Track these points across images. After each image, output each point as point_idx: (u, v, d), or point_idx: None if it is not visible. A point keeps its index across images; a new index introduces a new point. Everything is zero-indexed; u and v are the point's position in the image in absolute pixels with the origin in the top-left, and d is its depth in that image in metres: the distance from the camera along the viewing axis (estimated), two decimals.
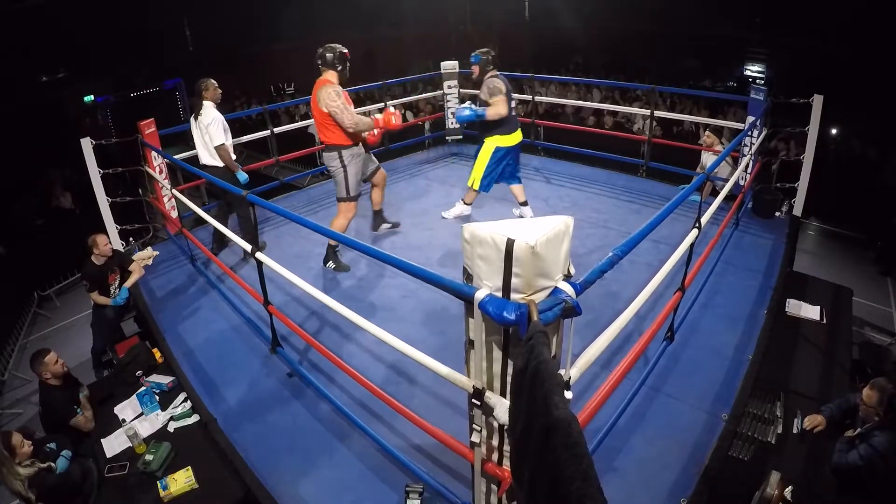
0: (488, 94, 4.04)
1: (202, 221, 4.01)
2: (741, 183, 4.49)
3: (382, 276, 3.84)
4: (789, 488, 2.17)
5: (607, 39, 12.69)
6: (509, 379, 1.51)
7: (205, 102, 3.94)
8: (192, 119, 4.02)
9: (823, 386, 2.88)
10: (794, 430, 2.59)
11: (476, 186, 4.32)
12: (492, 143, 4.17)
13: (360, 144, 3.81)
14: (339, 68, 3.60)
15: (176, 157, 4.29)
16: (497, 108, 3.98)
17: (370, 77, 10.42)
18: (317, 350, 2.80)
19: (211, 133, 3.88)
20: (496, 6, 13.78)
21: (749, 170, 4.51)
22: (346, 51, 3.62)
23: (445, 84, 6.29)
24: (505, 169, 4.31)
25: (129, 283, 3.96)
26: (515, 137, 4.23)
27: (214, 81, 4.02)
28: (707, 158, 5.24)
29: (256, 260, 2.83)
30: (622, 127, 8.65)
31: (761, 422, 2.62)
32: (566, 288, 1.43)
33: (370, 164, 4.09)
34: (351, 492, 2.33)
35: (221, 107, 4.08)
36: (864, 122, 8.18)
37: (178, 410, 2.93)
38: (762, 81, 10.90)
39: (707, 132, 5.39)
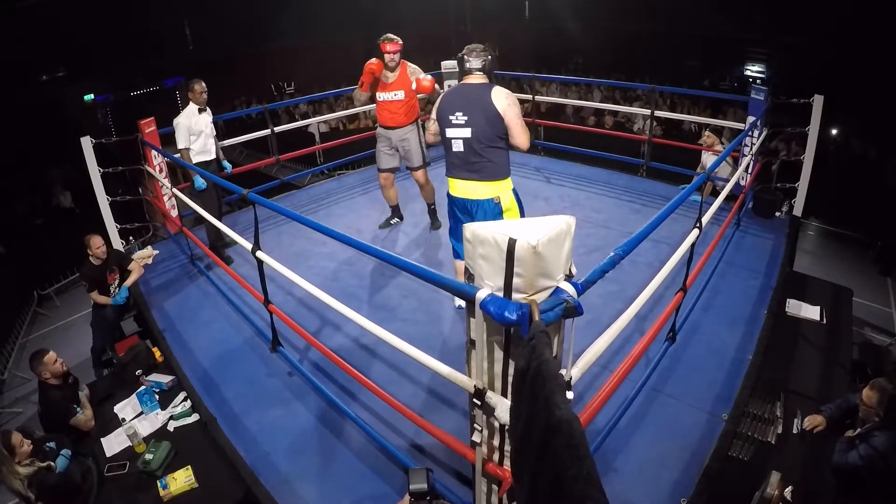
0: None
1: (202, 220, 4.01)
2: (742, 183, 4.49)
3: (383, 276, 3.84)
4: (789, 488, 2.17)
5: (607, 39, 12.68)
6: (510, 379, 1.51)
7: (190, 104, 4.09)
8: None
9: (823, 386, 2.88)
10: (794, 430, 2.59)
11: None
12: None
13: (382, 127, 4.24)
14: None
15: (176, 155, 4.29)
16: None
17: None
18: (317, 349, 2.79)
19: (176, 136, 4.07)
20: (496, 6, 13.77)
21: (749, 170, 4.51)
22: (386, 42, 3.98)
23: (445, 84, 6.26)
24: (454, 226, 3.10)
25: (128, 283, 3.96)
26: (451, 185, 2.94)
27: (202, 84, 4.09)
28: (707, 158, 5.24)
29: (257, 259, 2.82)
30: (622, 127, 8.65)
31: (761, 422, 2.62)
32: (568, 288, 1.43)
33: (402, 153, 4.28)
34: (351, 492, 2.33)
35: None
36: (864, 122, 8.18)
37: (178, 409, 2.93)
38: (762, 81, 10.90)
39: (707, 132, 5.39)
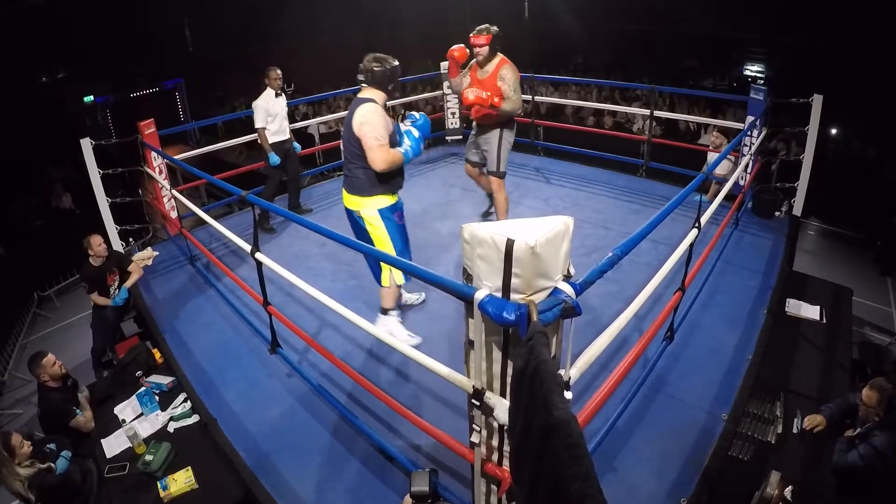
0: None
1: (202, 222, 4.02)
2: (741, 183, 4.49)
3: None
4: (789, 488, 2.17)
5: (607, 39, 12.68)
6: (509, 379, 1.51)
7: (267, 89, 4.52)
8: None
9: (823, 386, 2.88)
10: (794, 430, 2.59)
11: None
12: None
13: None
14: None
15: (176, 157, 4.30)
16: None
17: None
18: (316, 350, 2.80)
19: (254, 117, 4.51)
20: (496, 6, 13.78)
21: (749, 170, 4.51)
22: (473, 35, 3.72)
23: (445, 84, 6.29)
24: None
25: (128, 284, 3.96)
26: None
27: (276, 71, 4.54)
28: (713, 158, 5.24)
29: (256, 260, 2.83)
30: (622, 127, 8.64)
31: (761, 422, 2.62)
32: (566, 288, 1.43)
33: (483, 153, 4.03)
34: (351, 492, 2.33)
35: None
36: (864, 122, 8.18)
37: (178, 410, 2.93)
38: (762, 81, 10.90)
39: (715, 133, 5.38)
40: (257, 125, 4.50)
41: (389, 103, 2.99)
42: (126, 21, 9.94)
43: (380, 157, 2.64)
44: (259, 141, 4.59)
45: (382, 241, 2.86)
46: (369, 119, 2.64)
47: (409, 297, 3.48)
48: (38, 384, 3.01)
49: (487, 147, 3.93)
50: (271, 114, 4.50)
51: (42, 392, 3.00)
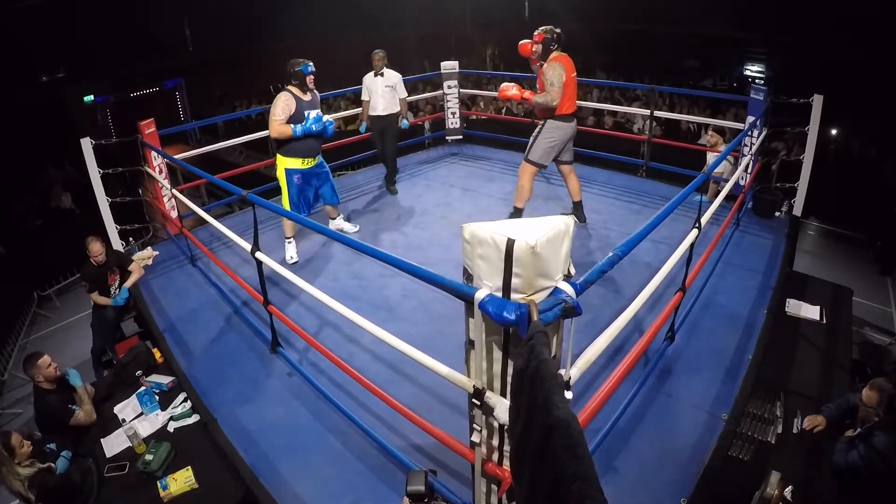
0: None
1: (202, 221, 4.02)
2: (741, 183, 4.49)
3: (383, 276, 3.84)
4: (789, 488, 2.17)
5: (607, 39, 12.67)
6: (509, 379, 1.51)
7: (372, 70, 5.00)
8: None
9: (823, 386, 2.88)
10: (794, 430, 2.59)
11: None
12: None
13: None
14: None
15: (176, 156, 4.30)
16: None
17: None
18: (317, 350, 2.80)
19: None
20: (496, 6, 13.79)
21: (749, 170, 4.51)
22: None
23: (445, 84, 6.29)
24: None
25: (128, 284, 3.96)
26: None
27: (377, 53, 4.91)
28: (712, 159, 5.24)
29: (256, 260, 2.83)
30: (622, 127, 8.64)
31: (761, 422, 2.62)
32: (566, 288, 1.43)
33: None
34: (351, 492, 2.33)
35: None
36: (864, 122, 8.18)
37: (178, 410, 2.93)
38: (762, 81, 10.90)
39: (710, 132, 5.38)
40: (363, 98, 5.07)
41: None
42: (126, 21, 9.95)
43: (271, 128, 3.74)
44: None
45: (283, 192, 3.91)
46: (274, 102, 3.73)
47: (346, 226, 4.47)
48: (34, 386, 2.99)
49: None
50: (370, 90, 4.97)
51: (37, 394, 2.97)
